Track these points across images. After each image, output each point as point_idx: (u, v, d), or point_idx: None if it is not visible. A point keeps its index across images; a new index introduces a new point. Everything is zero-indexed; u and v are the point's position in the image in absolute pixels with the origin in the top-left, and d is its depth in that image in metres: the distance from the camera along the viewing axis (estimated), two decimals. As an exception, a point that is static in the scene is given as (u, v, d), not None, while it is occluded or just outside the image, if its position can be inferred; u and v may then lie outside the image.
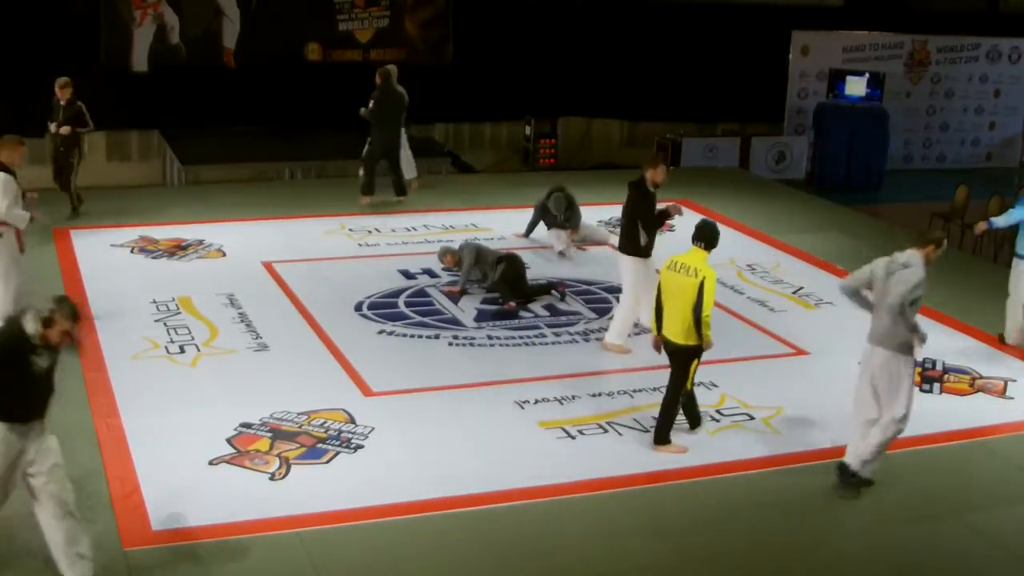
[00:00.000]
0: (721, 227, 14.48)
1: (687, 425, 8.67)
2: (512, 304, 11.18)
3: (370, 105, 14.76)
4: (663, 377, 9.60)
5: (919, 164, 21.26)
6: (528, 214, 13.77)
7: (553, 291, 11.63)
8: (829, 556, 7.24)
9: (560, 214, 13.25)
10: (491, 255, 11.70)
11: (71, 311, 6.30)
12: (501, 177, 18.66)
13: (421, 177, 15.74)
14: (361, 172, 15.11)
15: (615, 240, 13.79)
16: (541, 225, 13.51)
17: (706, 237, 8.25)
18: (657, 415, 8.41)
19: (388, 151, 14.96)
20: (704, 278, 7.98)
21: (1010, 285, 10.74)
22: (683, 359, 8.23)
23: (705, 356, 10.09)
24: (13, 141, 9.59)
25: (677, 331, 8.14)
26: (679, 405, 8.40)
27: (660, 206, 10.22)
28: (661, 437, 8.37)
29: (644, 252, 10.16)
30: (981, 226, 11.09)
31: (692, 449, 8.42)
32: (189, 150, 17.25)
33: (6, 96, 17.01)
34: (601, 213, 14.22)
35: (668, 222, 10.67)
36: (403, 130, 15.36)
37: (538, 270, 12.33)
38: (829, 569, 7.12)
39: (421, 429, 8.59)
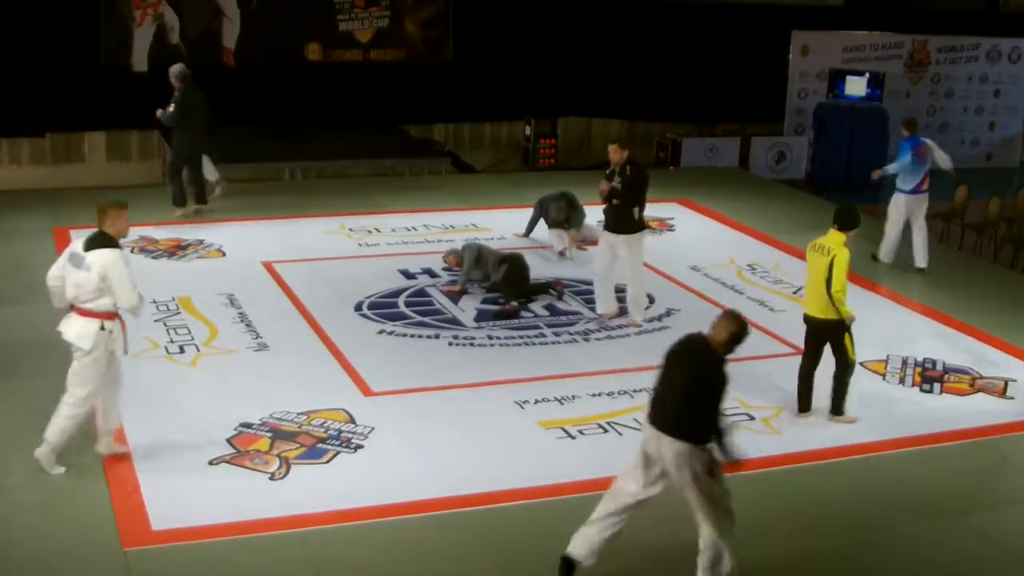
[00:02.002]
0: (721, 227, 14.79)
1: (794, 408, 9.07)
2: (514, 304, 11.19)
3: (170, 109, 13.86)
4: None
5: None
6: (528, 214, 13.77)
7: (551, 290, 11.64)
8: (828, 556, 7.23)
9: (560, 217, 13.27)
10: (493, 255, 11.70)
11: None
12: (501, 177, 18.66)
13: (222, 182, 14.93)
14: (167, 182, 14.43)
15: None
16: (541, 225, 13.50)
17: (839, 218, 8.79)
18: (831, 390, 8.85)
19: (192, 156, 14.20)
20: (834, 256, 8.49)
21: (889, 211, 13.12)
22: (830, 335, 8.73)
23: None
24: (117, 207, 7.75)
25: (815, 307, 8.72)
26: (849, 377, 8.81)
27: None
28: (836, 409, 8.92)
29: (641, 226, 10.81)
30: (876, 173, 13.40)
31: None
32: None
33: (6, 96, 17.02)
34: (602, 213, 14.18)
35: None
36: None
37: (538, 270, 12.32)
38: (828, 569, 7.12)
39: (421, 429, 8.59)
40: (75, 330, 7.52)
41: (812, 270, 8.74)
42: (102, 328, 7.54)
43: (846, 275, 8.60)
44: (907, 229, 13.08)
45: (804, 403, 9.03)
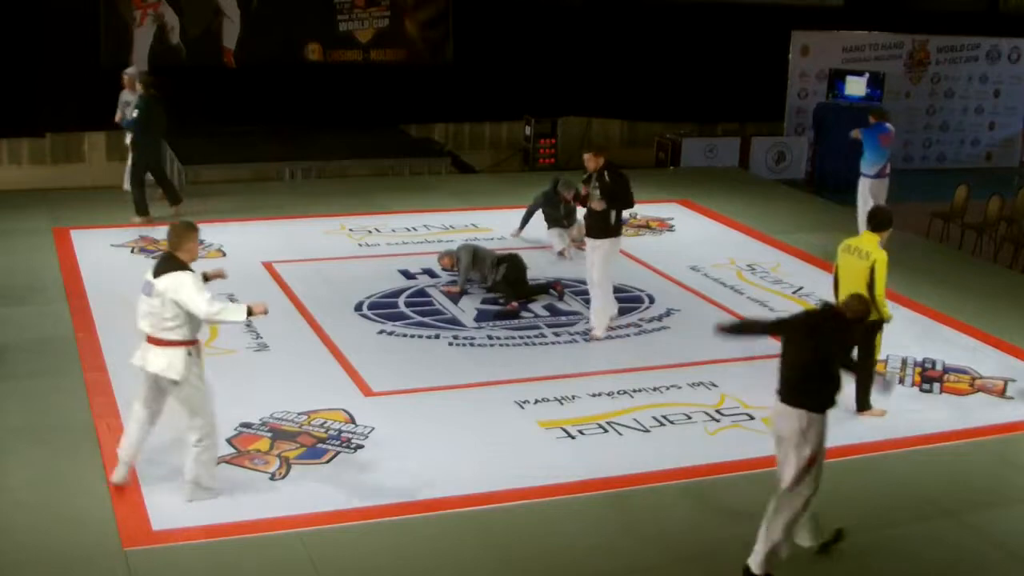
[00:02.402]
0: (721, 227, 14.79)
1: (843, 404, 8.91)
2: (514, 304, 11.19)
3: (133, 115, 13.62)
4: (663, 377, 9.63)
5: (919, 164, 21.26)
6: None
7: (551, 290, 11.63)
8: (829, 556, 7.23)
9: (571, 197, 13.21)
10: (490, 256, 11.70)
11: None
12: (501, 177, 18.67)
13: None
14: (130, 190, 14.01)
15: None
16: (541, 225, 13.48)
17: (873, 220, 8.97)
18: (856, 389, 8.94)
19: (154, 162, 14.10)
20: (875, 260, 8.66)
21: (858, 199, 13.85)
22: (868, 335, 8.72)
23: (705, 356, 10.19)
24: (189, 229, 7.26)
25: None
26: (873, 372, 8.90)
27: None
28: (862, 405, 9.03)
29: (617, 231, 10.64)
30: (856, 133, 14.21)
31: (691, 449, 8.42)
32: (189, 150, 17.24)
33: (6, 96, 17.02)
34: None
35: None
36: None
37: (538, 270, 12.32)
38: (828, 569, 7.12)
39: (421, 429, 8.59)
40: (162, 362, 7.07)
41: (849, 272, 8.82)
42: (188, 354, 7.13)
43: (886, 277, 8.81)
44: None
45: (863, 404, 9.11)
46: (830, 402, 6.73)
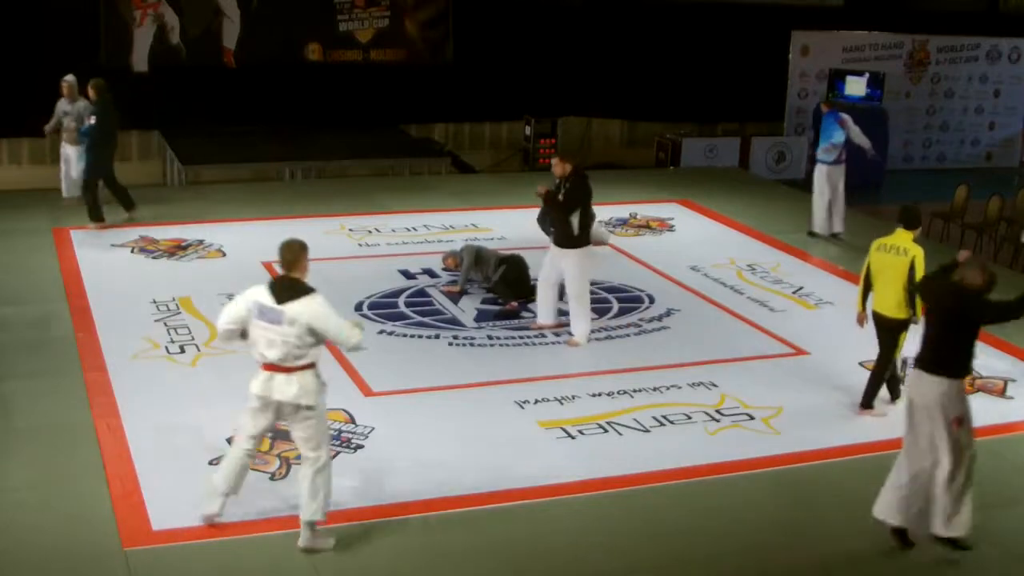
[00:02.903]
0: (721, 227, 14.79)
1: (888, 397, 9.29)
2: (514, 304, 11.19)
3: (91, 121, 13.11)
4: (663, 377, 9.63)
5: (919, 164, 21.26)
6: (528, 214, 13.75)
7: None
8: (829, 556, 7.23)
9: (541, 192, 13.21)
10: (492, 256, 11.69)
11: None
12: (501, 177, 18.67)
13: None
14: (80, 195, 13.62)
15: (615, 240, 13.88)
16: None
17: (905, 218, 8.96)
18: (865, 383, 9.17)
19: (110, 168, 13.57)
20: (914, 256, 8.73)
21: (815, 183, 14.30)
22: (895, 332, 8.96)
23: (705, 356, 10.19)
24: (303, 247, 7.10)
25: (891, 305, 8.87)
26: (886, 374, 9.10)
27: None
28: (867, 402, 9.14)
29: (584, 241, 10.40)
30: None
31: (691, 449, 8.42)
32: (189, 150, 17.25)
33: (6, 96, 17.02)
34: (601, 213, 14.18)
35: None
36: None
37: (539, 271, 12.32)
38: (828, 569, 7.12)
39: (421, 429, 8.59)
40: (293, 389, 6.67)
41: (886, 269, 8.89)
42: (317, 377, 6.79)
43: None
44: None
45: (895, 392, 9.30)
46: (966, 370, 7.06)
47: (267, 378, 6.71)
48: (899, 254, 8.81)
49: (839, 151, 14.16)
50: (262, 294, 6.76)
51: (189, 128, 18.09)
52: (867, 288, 9.09)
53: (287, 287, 6.76)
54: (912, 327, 8.80)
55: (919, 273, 8.64)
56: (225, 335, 7.03)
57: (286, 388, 6.67)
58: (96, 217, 13.36)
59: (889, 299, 8.87)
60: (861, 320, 9.26)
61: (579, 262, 10.24)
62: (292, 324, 6.61)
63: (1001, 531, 7.60)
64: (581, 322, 10.40)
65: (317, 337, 6.69)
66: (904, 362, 10.25)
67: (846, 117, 14.17)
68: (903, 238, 8.89)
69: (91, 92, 13.15)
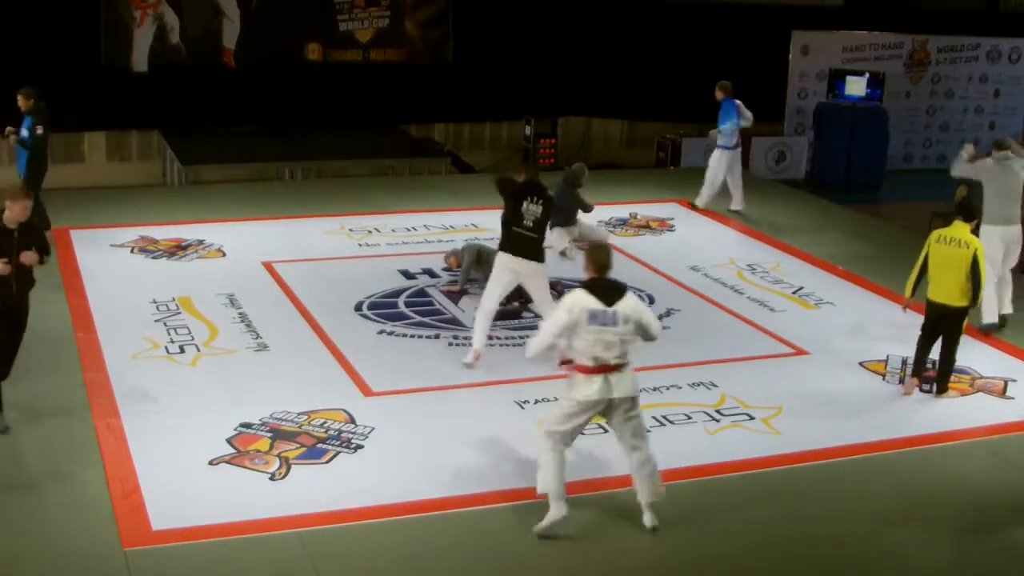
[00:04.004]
0: (721, 227, 14.79)
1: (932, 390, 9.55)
2: (515, 304, 11.17)
3: (38, 131, 12.18)
4: (663, 377, 9.63)
5: (919, 164, 21.25)
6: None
7: (551, 290, 11.59)
8: (828, 556, 7.23)
9: (583, 180, 13.22)
10: (493, 256, 11.67)
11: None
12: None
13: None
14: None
15: (615, 240, 13.87)
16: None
17: (964, 211, 9.49)
18: (936, 370, 9.53)
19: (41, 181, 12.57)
20: (976, 248, 9.23)
21: (712, 165, 15.24)
22: (956, 320, 9.36)
23: (705, 356, 10.20)
24: (610, 250, 7.40)
25: (954, 295, 9.29)
26: (955, 359, 9.50)
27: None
28: (944, 387, 9.53)
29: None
30: (712, 133, 15.34)
31: (691, 449, 8.42)
32: (189, 150, 17.26)
33: (6, 96, 17.01)
34: (601, 213, 14.22)
35: None
36: None
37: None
38: (828, 569, 7.12)
39: (421, 429, 8.59)
40: (629, 383, 7.09)
41: (946, 261, 9.29)
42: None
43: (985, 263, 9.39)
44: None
45: (919, 369, 9.57)
46: None
47: (603, 379, 6.98)
48: (960, 246, 9.25)
49: (737, 136, 15.08)
50: (588, 300, 6.97)
51: (189, 128, 18.09)
52: (920, 277, 9.52)
53: (612, 288, 7.08)
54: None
55: (982, 265, 9.19)
56: (546, 347, 7.29)
57: (624, 385, 7.04)
58: (44, 226, 11.99)
59: (952, 289, 9.25)
60: (907, 305, 9.76)
61: (533, 274, 9.77)
62: (626, 322, 6.96)
63: (1001, 531, 7.60)
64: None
65: (642, 332, 7.08)
66: (906, 361, 10.27)
67: (740, 103, 14.92)
68: (962, 231, 9.33)
69: (29, 101, 12.20)
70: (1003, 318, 11.20)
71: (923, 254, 9.55)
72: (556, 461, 7.12)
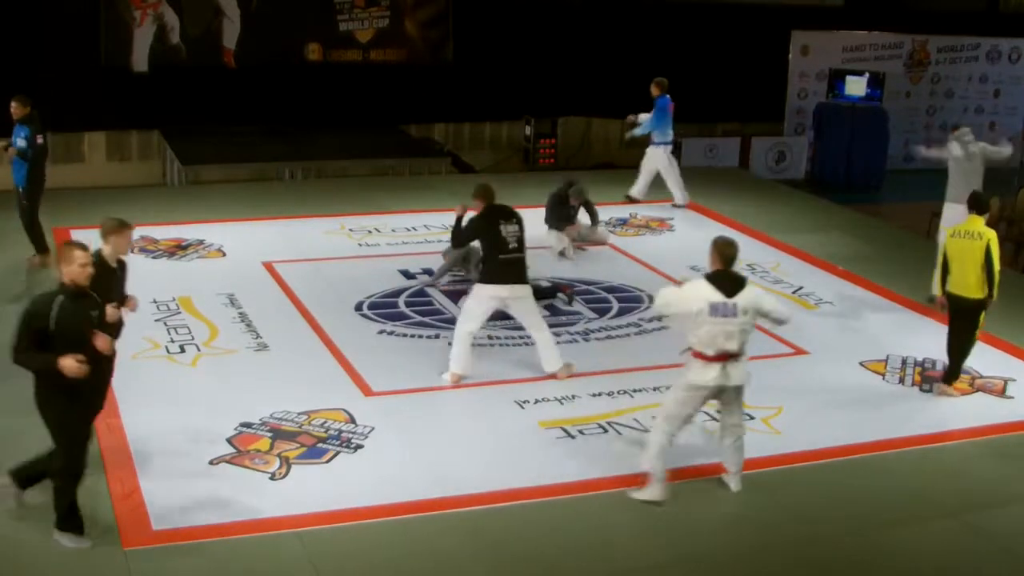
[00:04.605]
0: (721, 227, 14.78)
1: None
2: None
3: (38, 141, 11.52)
4: (662, 377, 9.62)
5: (919, 164, 21.15)
6: (528, 214, 13.72)
7: (560, 294, 11.57)
8: (828, 556, 7.24)
9: (578, 204, 13.24)
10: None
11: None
12: (501, 177, 18.64)
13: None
14: (35, 226, 11.95)
15: (615, 240, 13.88)
16: (542, 226, 13.46)
17: (976, 204, 9.65)
18: (947, 362, 9.67)
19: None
20: (990, 239, 9.37)
21: (648, 160, 15.43)
22: (974, 312, 9.48)
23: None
24: (732, 243, 7.79)
25: (970, 286, 9.43)
26: (972, 348, 9.64)
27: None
28: (953, 376, 9.66)
29: None
30: (630, 119, 15.54)
31: (691, 449, 8.42)
32: (189, 150, 17.25)
33: (6, 96, 17.00)
34: (601, 213, 14.20)
35: None
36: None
37: (538, 271, 12.32)
38: (828, 569, 7.12)
39: (421, 429, 8.59)
40: (743, 372, 7.55)
41: (963, 254, 9.43)
42: None
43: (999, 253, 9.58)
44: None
45: (954, 374, 9.68)
46: None
47: (721, 367, 7.38)
48: (974, 238, 9.40)
49: (672, 132, 15.34)
50: (709, 292, 7.34)
51: (189, 128, 18.09)
52: (945, 273, 9.61)
53: (734, 281, 7.42)
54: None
55: (995, 256, 9.32)
56: (665, 308, 7.66)
57: (738, 373, 7.45)
58: (44, 248, 11.94)
59: (969, 281, 9.41)
60: (942, 304, 9.74)
61: (474, 296, 9.51)
62: (746, 313, 7.31)
63: (1001, 531, 7.61)
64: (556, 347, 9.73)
65: (765, 318, 7.54)
66: (905, 361, 10.27)
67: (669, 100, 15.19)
68: (976, 223, 9.51)
69: (25, 109, 11.51)
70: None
71: (942, 250, 9.74)
72: (663, 444, 7.55)
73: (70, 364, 6.29)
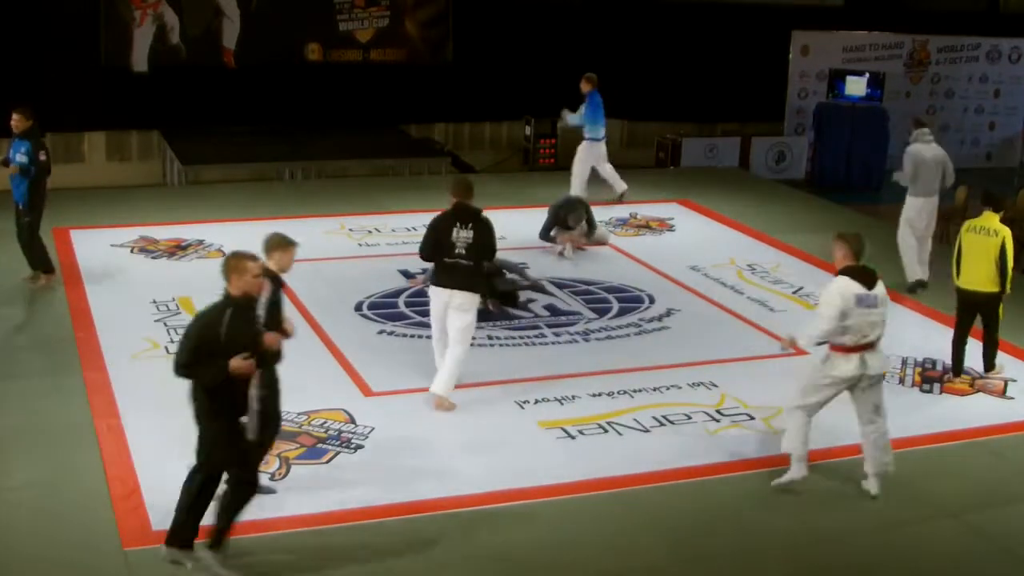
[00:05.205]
0: (721, 227, 14.80)
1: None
2: (490, 307, 11.02)
3: (41, 158, 10.85)
4: (663, 377, 9.64)
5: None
6: (528, 214, 13.77)
7: (564, 291, 11.53)
8: (828, 556, 7.23)
9: (576, 227, 13.26)
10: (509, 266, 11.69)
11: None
12: (501, 177, 18.66)
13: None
14: (34, 244, 11.35)
15: (615, 240, 13.87)
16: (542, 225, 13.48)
17: (992, 201, 9.90)
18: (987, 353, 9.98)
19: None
20: (1005, 236, 9.60)
21: (581, 158, 15.36)
22: (991, 306, 9.79)
23: (705, 356, 10.20)
24: (857, 236, 7.96)
25: (983, 281, 9.69)
26: (997, 339, 9.96)
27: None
28: (991, 365, 10.02)
29: None
30: (564, 115, 15.52)
31: (691, 449, 8.42)
32: (189, 150, 17.25)
33: (6, 97, 17.01)
34: (601, 213, 14.22)
35: None
36: None
37: (538, 271, 12.34)
38: (828, 569, 7.12)
39: (421, 429, 8.59)
40: (881, 360, 7.80)
41: (977, 250, 9.66)
42: None
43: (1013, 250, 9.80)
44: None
45: (959, 368, 9.97)
46: None
47: (860, 358, 7.61)
48: (990, 235, 9.62)
49: (603, 128, 15.43)
50: (853, 285, 7.55)
51: (189, 128, 18.09)
52: (960, 267, 9.83)
53: (871, 273, 7.69)
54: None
55: (1010, 252, 9.56)
56: (826, 334, 7.66)
57: (876, 362, 7.70)
58: (49, 268, 11.44)
59: (982, 275, 9.65)
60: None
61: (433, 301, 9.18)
62: (884, 303, 7.68)
63: (1001, 531, 7.61)
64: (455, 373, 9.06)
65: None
66: (905, 361, 10.27)
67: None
68: (992, 220, 9.71)
69: (28, 122, 10.89)
70: (923, 282, 12.39)
71: (957, 245, 9.87)
72: (803, 425, 7.79)
73: (238, 363, 6.23)
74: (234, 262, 6.55)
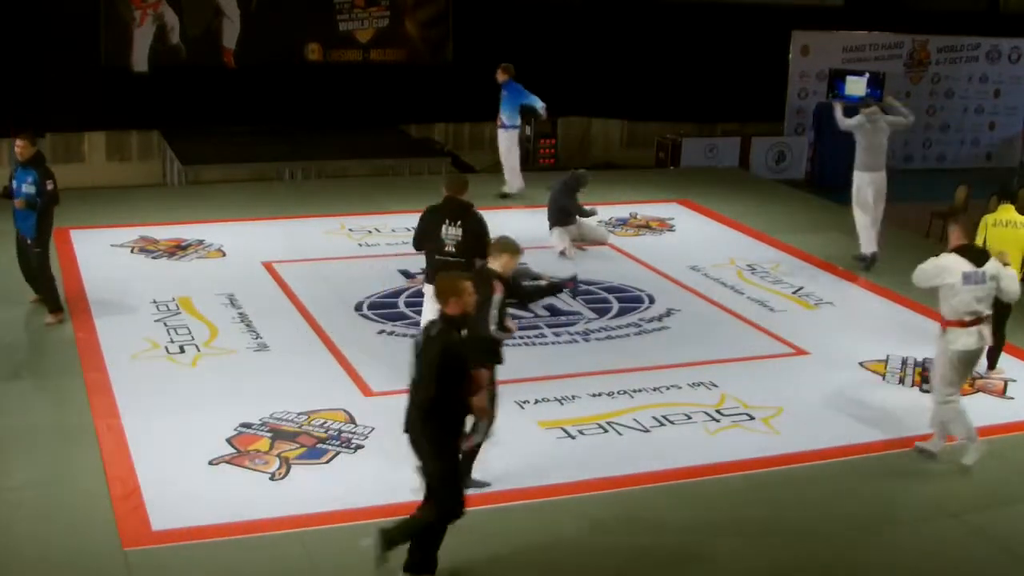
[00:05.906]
0: (721, 227, 14.80)
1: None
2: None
3: (48, 187, 10.12)
4: (663, 377, 9.63)
5: (919, 164, 21.26)
6: (527, 214, 13.76)
7: (565, 289, 11.50)
8: (828, 556, 7.23)
9: (582, 186, 13.32)
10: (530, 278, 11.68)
11: None
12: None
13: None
14: (43, 280, 10.55)
15: (615, 240, 13.88)
16: (544, 224, 13.46)
17: (1008, 194, 10.34)
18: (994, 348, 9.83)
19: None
20: None
21: (503, 147, 15.78)
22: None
23: (705, 356, 10.19)
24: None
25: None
26: (1004, 335, 9.94)
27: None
28: (992, 365, 10.03)
29: None
30: (543, 113, 15.68)
31: (691, 449, 8.42)
32: (189, 150, 17.26)
33: (6, 96, 17.02)
34: (601, 213, 14.20)
35: None
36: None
37: (538, 270, 12.32)
38: (828, 569, 7.12)
39: (421, 429, 8.58)
40: (988, 333, 8.25)
41: (1003, 242, 9.73)
42: None
43: None
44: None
45: (994, 362, 10.04)
46: None
47: (978, 331, 8.13)
48: (1018, 227, 9.88)
49: (519, 116, 15.71)
50: (960, 263, 8.10)
51: (189, 128, 18.09)
52: None
53: (981, 252, 8.33)
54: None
55: None
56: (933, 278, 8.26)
57: (989, 335, 8.25)
58: (58, 307, 10.54)
59: (1014, 267, 9.52)
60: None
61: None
62: (992, 279, 8.14)
63: (1001, 531, 7.60)
64: None
65: (1000, 291, 8.22)
66: (905, 361, 10.27)
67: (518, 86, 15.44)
68: (1009, 212, 9.96)
69: (33, 148, 10.17)
70: (874, 255, 12.88)
71: (982, 240, 9.91)
72: (959, 409, 8.26)
73: (480, 402, 6.46)
74: (448, 284, 6.51)
